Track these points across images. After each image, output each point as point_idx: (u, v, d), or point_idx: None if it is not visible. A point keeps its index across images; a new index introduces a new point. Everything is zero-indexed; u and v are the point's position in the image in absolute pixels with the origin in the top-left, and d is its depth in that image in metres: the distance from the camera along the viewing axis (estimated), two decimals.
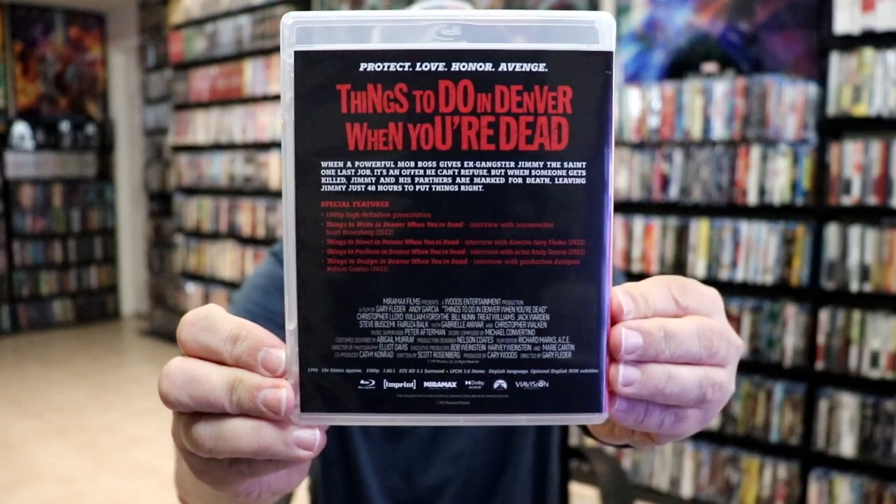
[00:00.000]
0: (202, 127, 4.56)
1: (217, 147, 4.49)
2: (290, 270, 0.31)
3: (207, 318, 0.32)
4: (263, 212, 4.16)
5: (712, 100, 2.49)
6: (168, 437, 3.49)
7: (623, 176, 2.70)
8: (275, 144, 4.11)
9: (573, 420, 0.31)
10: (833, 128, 2.29)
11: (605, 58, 0.29)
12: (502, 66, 0.29)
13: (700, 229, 2.54)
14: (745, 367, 2.50)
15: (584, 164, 0.30)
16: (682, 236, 2.58)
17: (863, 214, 2.26)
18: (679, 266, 2.58)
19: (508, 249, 0.30)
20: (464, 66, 0.29)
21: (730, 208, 2.53)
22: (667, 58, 2.75)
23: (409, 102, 0.29)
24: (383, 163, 0.30)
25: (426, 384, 0.31)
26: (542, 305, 0.30)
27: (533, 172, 0.30)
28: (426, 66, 0.29)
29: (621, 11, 2.85)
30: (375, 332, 0.31)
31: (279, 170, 4.05)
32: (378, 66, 0.29)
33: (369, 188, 0.30)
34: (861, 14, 2.17)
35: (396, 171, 0.30)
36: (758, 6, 2.53)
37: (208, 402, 0.31)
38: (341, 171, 0.30)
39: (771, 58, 2.51)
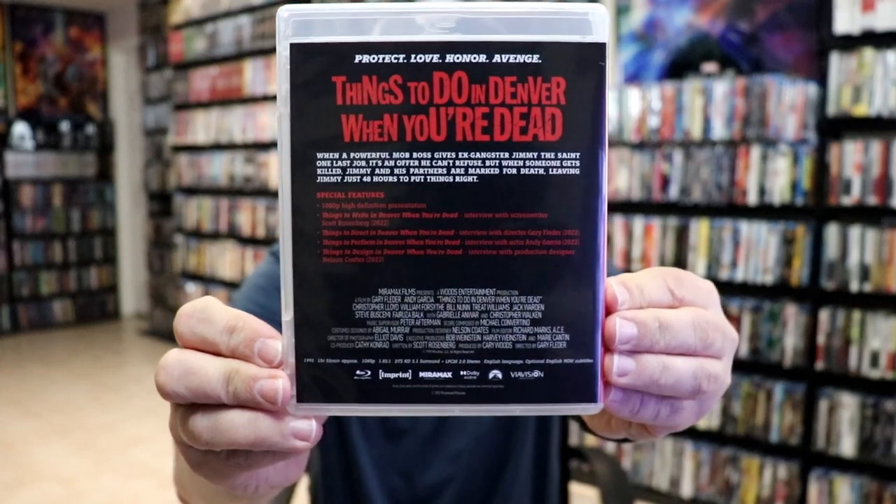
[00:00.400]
0: (202, 127, 4.56)
1: (217, 147, 4.50)
2: (286, 262, 0.31)
3: (204, 311, 0.32)
4: (263, 212, 4.16)
5: (712, 100, 2.49)
6: (168, 436, 3.48)
7: (623, 176, 2.70)
8: (274, 144, 4.10)
9: (568, 410, 0.31)
10: (833, 128, 2.29)
11: (599, 49, 0.29)
12: (496, 58, 0.29)
13: (700, 229, 2.54)
14: (745, 367, 2.50)
15: (578, 154, 0.30)
16: (682, 236, 2.58)
17: (863, 214, 2.26)
18: (679, 266, 2.58)
19: (503, 240, 0.30)
20: (458, 58, 0.29)
21: (730, 208, 2.53)
22: (667, 58, 2.75)
23: (403, 94, 0.30)
24: (378, 154, 0.30)
25: (422, 374, 0.31)
26: (537, 296, 0.31)
27: (527, 163, 0.30)
28: (420, 58, 0.29)
29: (621, 11, 2.85)
30: (371, 323, 0.31)
31: (278, 166, 4.05)
32: (373, 58, 0.29)
33: (364, 179, 0.30)
34: (861, 14, 2.17)
35: (391, 163, 0.30)
36: (758, 6, 2.53)
37: (205, 394, 0.31)
38: (337, 163, 0.30)
39: (771, 58, 2.51)
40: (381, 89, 0.30)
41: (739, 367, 2.51)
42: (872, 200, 2.19)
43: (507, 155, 0.30)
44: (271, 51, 4.07)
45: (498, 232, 0.30)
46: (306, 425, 0.31)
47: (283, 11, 0.30)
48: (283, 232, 0.31)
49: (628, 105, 2.67)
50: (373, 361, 0.31)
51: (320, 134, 0.30)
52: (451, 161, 0.30)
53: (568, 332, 0.31)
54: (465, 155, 0.30)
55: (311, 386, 0.31)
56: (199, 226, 4.63)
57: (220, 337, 0.31)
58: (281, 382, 0.30)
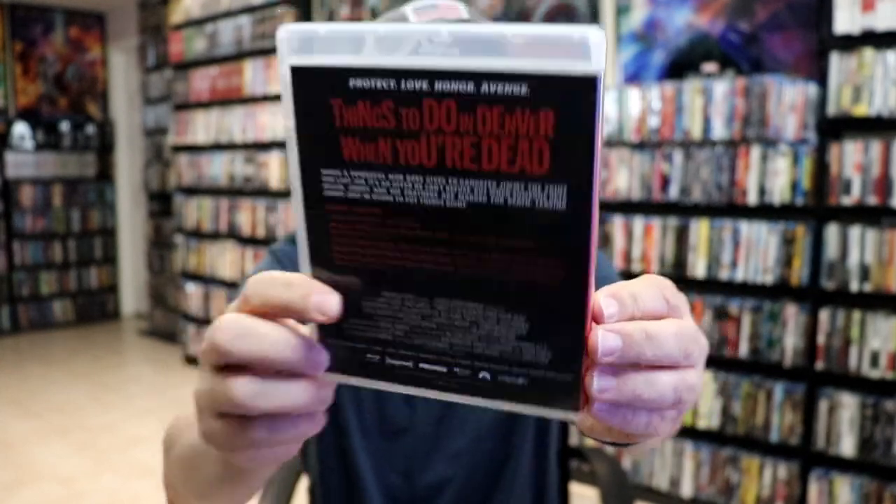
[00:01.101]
0: (202, 127, 4.56)
1: (217, 147, 4.49)
2: (304, 260, 0.34)
3: (271, 276, 0.34)
4: (263, 212, 4.16)
5: (712, 100, 2.49)
6: None
7: (623, 176, 2.70)
8: (275, 144, 4.11)
9: (552, 415, 0.33)
10: (833, 128, 2.29)
11: (592, 82, 0.27)
12: (484, 87, 0.28)
13: (700, 229, 2.54)
14: (745, 367, 2.50)
15: (566, 187, 0.29)
16: (682, 236, 2.58)
17: (863, 214, 2.26)
18: (679, 266, 2.58)
19: (490, 262, 0.31)
20: (447, 86, 0.29)
21: (730, 208, 2.53)
22: (667, 58, 2.75)
23: (395, 119, 0.30)
24: (375, 174, 0.31)
25: (421, 365, 0.33)
26: (523, 315, 0.31)
27: (514, 194, 0.29)
28: (411, 85, 0.29)
29: (621, 11, 2.85)
30: (378, 318, 0.33)
31: (279, 170, 4.06)
32: (366, 83, 0.30)
33: (365, 196, 0.31)
34: (861, 14, 2.17)
35: (388, 183, 0.31)
36: (758, 6, 2.53)
37: (260, 356, 0.32)
38: (339, 179, 0.32)
39: (771, 58, 2.51)
40: (374, 114, 0.30)
41: (739, 367, 2.51)
42: (872, 200, 2.19)
43: (494, 184, 0.30)
44: (271, 51, 4.08)
45: (486, 255, 0.31)
46: (328, 394, 0.34)
47: (282, 32, 0.31)
48: (299, 236, 0.33)
49: (628, 105, 2.67)
50: (380, 348, 0.34)
51: (323, 152, 0.31)
52: (441, 186, 0.30)
53: (551, 350, 0.31)
54: (455, 181, 0.30)
55: (333, 360, 0.34)
56: (199, 226, 4.63)
57: (284, 291, 0.33)
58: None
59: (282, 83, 0.31)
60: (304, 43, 0.30)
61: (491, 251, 0.31)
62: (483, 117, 0.29)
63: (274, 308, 0.33)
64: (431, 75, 0.29)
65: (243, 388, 0.32)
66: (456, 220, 0.30)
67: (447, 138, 0.29)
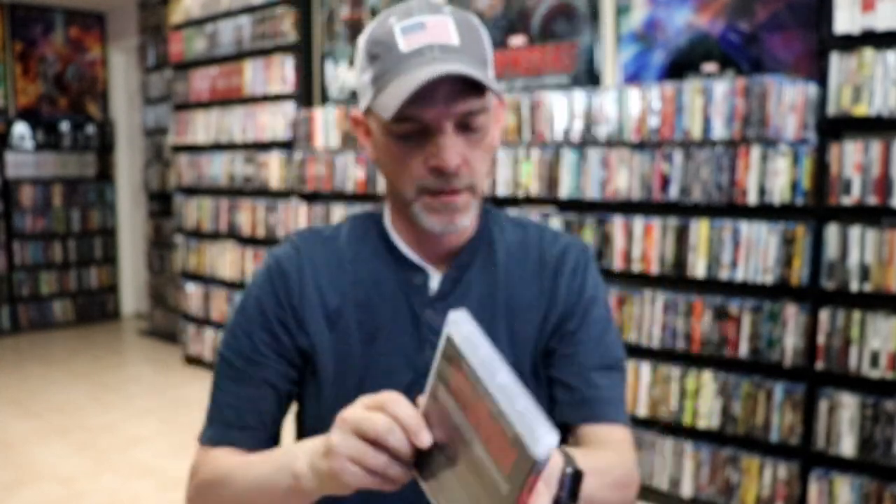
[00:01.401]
0: (202, 127, 4.56)
1: (217, 147, 4.50)
2: (421, 405, 0.58)
3: (403, 404, 0.58)
4: (263, 212, 4.16)
5: (712, 100, 2.49)
6: (166, 436, 3.50)
7: (623, 176, 2.70)
8: (275, 144, 4.11)
9: None
10: (833, 128, 2.29)
11: (532, 462, 0.45)
12: (500, 418, 0.48)
13: (700, 229, 2.54)
14: (745, 367, 2.50)
15: (510, 487, 0.47)
16: (682, 236, 2.58)
17: (863, 214, 2.26)
18: (679, 266, 2.58)
19: (472, 483, 0.52)
20: (488, 401, 0.49)
21: (730, 208, 2.53)
22: (667, 58, 2.75)
23: (466, 389, 0.52)
24: (455, 403, 0.54)
25: (439, 497, 0.57)
26: None
27: (492, 469, 0.49)
28: (478, 389, 0.50)
29: (621, 11, 2.85)
30: (435, 457, 0.57)
31: (279, 170, 4.06)
32: (463, 371, 0.52)
33: (448, 405, 0.55)
34: (861, 14, 2.17)
35: (455, 410, 0.54)
36: (758, 6, 2.53)
37: (396, 447, 0.57)
38: (443, 392, 0.55)
39: (771, 58, 2.51)
40: (463, 382, 0.52)
41: (739, 367, 2.51)
42: (872, 200, 2.18)
43: (487, 456, 0.50)
44: (271, 51, 4.08)
45: (471, 478, 0.52)
46: (408, 477, 0.59)
47: (452, 314, 0.55)
48: (425, 395, 0.58)
49: (628, 105, 2.67)
50: (430, 471, 0.58)
51: (440, 377, 0.56)
52: (472, 434, 0.52)
53: None
54: (477, 438, 0.51)
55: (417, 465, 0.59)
56: (199, 226, 4.62)
57: (408, 417, 0.57)
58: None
59: (443, 335, 0.55)
60: (455, 326, 0.54)
61: (474, 477, 0.51)
62: (494, 428, 0.49)
63: (399, 422, 0.57)
64: (484, 391, 0.50)
65: (383, 459, 0.57)
66: (468, 453, 0.52)
67: (483, 420, 0.50)
